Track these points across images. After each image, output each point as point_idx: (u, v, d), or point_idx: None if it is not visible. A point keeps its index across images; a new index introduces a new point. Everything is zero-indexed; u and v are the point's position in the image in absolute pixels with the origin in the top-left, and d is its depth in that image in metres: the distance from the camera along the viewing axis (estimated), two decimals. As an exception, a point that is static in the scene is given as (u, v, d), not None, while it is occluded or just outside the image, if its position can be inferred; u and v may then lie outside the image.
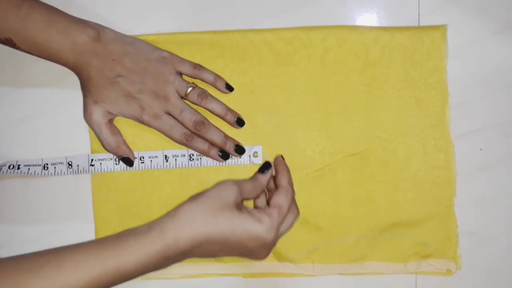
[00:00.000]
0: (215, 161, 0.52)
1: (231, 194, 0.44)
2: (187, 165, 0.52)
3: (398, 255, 0.52)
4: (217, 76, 0.52)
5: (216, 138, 0.51)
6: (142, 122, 0.50)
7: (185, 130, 0.50)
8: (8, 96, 0.53)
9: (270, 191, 0.50)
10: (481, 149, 0.53)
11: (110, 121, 0.51)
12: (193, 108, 0.50)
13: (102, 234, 0.52)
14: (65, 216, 0.53)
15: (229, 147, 0.51)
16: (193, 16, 0.53)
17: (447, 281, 0.53)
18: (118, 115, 0.50)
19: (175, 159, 0.52)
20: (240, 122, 0.52)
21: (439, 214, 0.52)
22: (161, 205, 0.53)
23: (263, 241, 0.44)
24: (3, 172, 0.50)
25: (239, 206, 0.44)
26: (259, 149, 0.52)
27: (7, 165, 0.51)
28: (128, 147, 0.52)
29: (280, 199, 0.46)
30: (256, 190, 0.47)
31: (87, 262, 0.40)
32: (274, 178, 0.49)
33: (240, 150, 0.52)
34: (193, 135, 0.50)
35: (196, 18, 0.53)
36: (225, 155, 0.51)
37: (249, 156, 0.52)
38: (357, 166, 0.52)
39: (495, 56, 0.53)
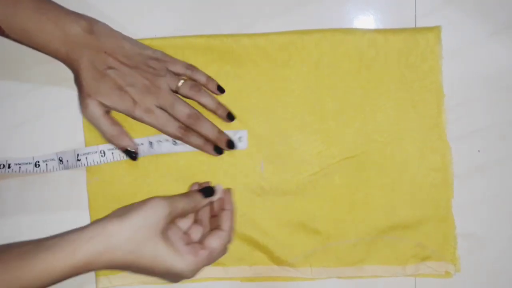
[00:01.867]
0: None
1: (159, 223, 0.43)
2: (171, 151, 0.52)
3: (396, 258, 0.52)
4: (209, 78, 0.51)
5: (209, 131, 0.50)
6: (134, 117, 0.49)
7: (180, 124, 0.50)
8: (6, 98, 0.53)
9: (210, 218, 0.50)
10: (478, 151, 0.53)
11: (107, 112, 0.50)
12: (185, 101, 0.50)
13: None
14: (62, 222, 0.53)
15: (221, 142, 0.51)
16: (189, 19, 0.53)
17: (446, 283, 0.53)
18: (112, 108, 0.49)
19: (160, 144, 0.52)
20: (230, 117, 0.52)
21: (437, 216, 0.52)
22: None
23: (182, 277, 0.44)
24: None
25: (166, 235, 0.44)
26: (243, 133, 0.52)
27: None
28: (130, 137, 0.51)
29: (216, 243, 0.46)
30: (189, 210, 0.47)
31: None
32: (217, 210, 0.49)
33: (231, 145, 0.51)
34: (188, 130, 0.50)
35: (191, 21, 0.53)
36: (219, 150, 0.51)
37: (234, 142, 0.52)
38: (354, 169, 0.52)
39: (492, 58, 0.53)
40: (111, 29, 0.49)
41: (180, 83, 0.50)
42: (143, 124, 0.50)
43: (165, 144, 0.52)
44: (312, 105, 0.52)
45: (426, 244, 0.52)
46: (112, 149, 0.51)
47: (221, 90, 0.52)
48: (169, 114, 0.50)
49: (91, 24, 0.48)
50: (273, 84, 0.52)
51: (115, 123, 0.50)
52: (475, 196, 0.53)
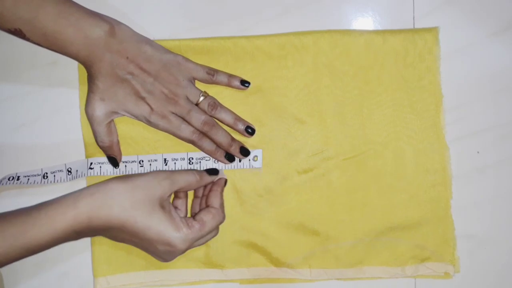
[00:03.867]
0: (213, 166, 0.52)
1: (159, 189, 0.45)
2: (186, 168, 0.52)
3: (395, 259, 0.52)
4: (230, 76, 0.51)
5: (223, 139, 0.51)
6: (149, 122, 0.50)
7: (195, 129, 0.50)
8: (5, 101, 0.53)
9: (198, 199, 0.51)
10: (478, 152, 0.53)
11: (111, 122, 0.50)
12: (201, 109, 0.50)
13: (98, 241, 0.52)
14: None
15: (235, 149, 0.51)
16: (188, 21, 0.53)
17: (446, 284, 0.53)
18: (124, 115, 0.50)
19: (174, 163, 0.52)
20: (249, 131, 0.52)
21: (436, 217, 0.52)
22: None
23: (173, 247, 0.45)
24: (3, 184, 0.50)
25: (164, 203, 0.45)
26: (259, 153, 0.52)
27: (7, 178, 0.50)
28: (119, 149, 0.52)
29: (207, 217, 0.47)
30: (189, 186, 0.48)
31: None
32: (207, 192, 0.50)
33: (244, 152, 0.51)
34: (202, 135, 0.50)
35: (191, 23, 0.53)
36: (230, 157, 0.51)
37: (249, 160, 0.52)
38: (352, 170, 0.52)
39: (491, 59, 0.53)
40: (133, 32, 0.49)
41: (201, 99, 0.50)
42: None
43: (180, 163, 0.52)
44: (310, 106, 0.52)
45: (425, 245, 0.52)
46: (126, 162, 0.52)
47: (245, 83, 0.52)
48: (185, 120, 0.50)
49: (113, 27, 0.48)
50: (271, 84, 0.52)
51: (111, 133, 0.51)
52: (474, 197, 0.53)
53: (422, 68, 0.52)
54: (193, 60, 0.52)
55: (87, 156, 0.52)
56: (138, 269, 0.52)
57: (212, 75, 0.51)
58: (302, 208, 0.52)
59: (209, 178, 0.50)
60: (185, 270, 0.53)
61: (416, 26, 0.53)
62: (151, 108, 0.49)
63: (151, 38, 0.52)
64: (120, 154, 0.52)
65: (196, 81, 0.52)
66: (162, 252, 0.46)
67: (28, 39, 0.47)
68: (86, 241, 0.53)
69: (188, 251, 0.51)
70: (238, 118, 0.51)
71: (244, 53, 0.52)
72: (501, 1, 0.53)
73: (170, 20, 0.53)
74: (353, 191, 0.52)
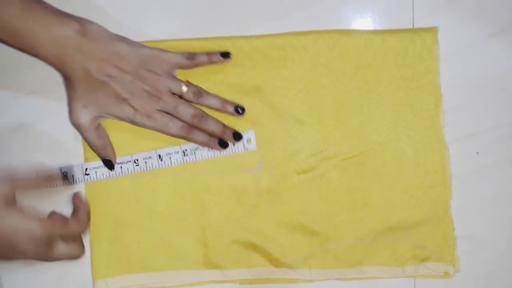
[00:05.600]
0: (209, 155, 0.52)
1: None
2: (182, 161, 0.52)
3: (395, 259, 0.52)
4: (209, 54, 0.50)
5: (215, 128, 0.50)
6: (135, 123, 0.49)
7: (183, 123, 0.49)
8: (3, 102, 0.53)
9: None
10: (477, 153, 0.53)
11: (99, 125, 0.50)
12: (187, 102, 0.50)
13: (97, 244, 0.52)
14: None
15: (228, 136, 0.51)
16: (187, 22, 0.53)
17: (446, 284, 0.53)
18: (108, 117, 0.49)
19: (169, 157, 0.52)
20: (239, 110, 0.51)
21: (435, 217, 0.52)
22: (155, 214, 0.52)
23: (32, 234, 0.44)
24: None
25: (10, 203, 0.44)
26: (251, 134, 0.52)
27: None
28: (113, 150, 0.51)
29: (70, 220, 0.48)
30: (37, 183, 0.47)
31: None
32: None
33: (237, 137, 0.51)
34: (192, 128, 0.50)
35: (189, 24, 0.53)
36: (224, 144, 0.51)
37: (243, 143, 0.52)
38: (351, 170, 0.52)
39: (490, 59, 0.53)
40: (105, 31, 0.48)
41: (184, 89, 0.49)
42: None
43: (175, 156, 0.52)
44: (310, 106, 0.52)
45: (425, 245, 0.52)
46: (121, 163, 0.52)
47: (225, 55, 0.51)
48: (173, 116, 0.49)
49: (83, 26, 0.46)
50: (270, 84, 0.52)
51: (102, 136, 0.50)
52: (474, 197, 0.53)
53: (421, 68, 0.52)
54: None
55: (85, 158, 0.52)
56: (137, 271, 0.52)
57: (192, 58, 0.50)
58: (301, 208, 0.52)
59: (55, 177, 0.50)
60: (185, 271, 0.52)
61: (415, 27, 0.53)
62: (135, 109, 0.48)
63: (151, 38, 0.52)
64: (115, 156, 0.51)
65: (178, 71, 0.51)
66: (21, 243, 0.44)
67: None
68: (84, 243, 0.52)
69: (188, 251, 0.52)
70: (226, 101, 0.51)
71: (243, 53, 0.52)
72: (500, 1, 0.53)
73: (170, 20, 0.53)
74: (352, 191, 0.52)
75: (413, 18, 0.53)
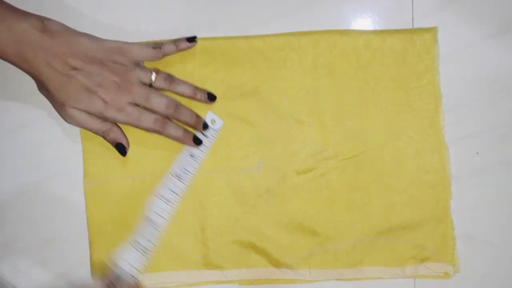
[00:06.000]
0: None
1: None
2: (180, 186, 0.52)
3: (395, 259, 0.52)
4: (176, 41, 0.50)
5: (189, 118, 0.49)
6: (107, 118, 0.47)
7: (156, 116, 0.48)
8: (5, 102, 0.53)
9: None
10: (477, 153, 0.53)
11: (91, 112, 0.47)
12: (158, 92, 0.48)
13: (96, 244, 0.52)
14: (59, 226, 0.53)
15: (200, 125, 0.50)
16: (187, 21, 0.53)
17: (446, 284, 0.52)
18: (84, 111, 0.47)
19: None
20: (211, 97, 0.50)
21: (435, 217, 0.52)
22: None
23: None
24: None
25: None
26: (210, 115, 0.52)
27: None
28: (122, 131, 0.49)
29: None
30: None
31: None
32: None
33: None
34: (166, 120, 0.48)
35: (190, 24, 0.53)
36: (198, 141, 0.50)
37: (212, 128, 0.52)
38: (351, 170, 0.52)
39: (490, 60, 0.53)
40: (65, 27, 0.46)
41: (153, 77, 0.48)
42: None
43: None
44: (309, 106, 0.52)
45: (425, 245, 0.52)
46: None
47: (191, 40, 0.50)
48: (146, 108, 0.47)
49: (42, 22, 0.44)
50: (269, 83, 0.52)
51: (103, 118, 0.48)
52: (474, 197, 0.53)
53: (421, 68, 0.52)
54: (191, 59, 0.52)
55: (85, 162, 0.52)
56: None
57: (159, 48, 0.49)
58: (301, 208, 0.52)
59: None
60: (184, 272, 0.52)
61: (415, 27, 0.53)
62: (105, 102, 0.46)
63: (150, 38, 0.52)
64: (126, 138, 0.50)
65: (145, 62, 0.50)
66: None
67: None
68: (84, 242, 0.53)
69: (188, 252, 0.52)
70: (197, 88, 0.50)
71: (242, 53, 0.52)
72: (500, 2, 0.53)
73: (170, 20, 0.53)
74: (352, 191, 0.52)
75: (412, 18, 0.53)
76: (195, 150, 0.51)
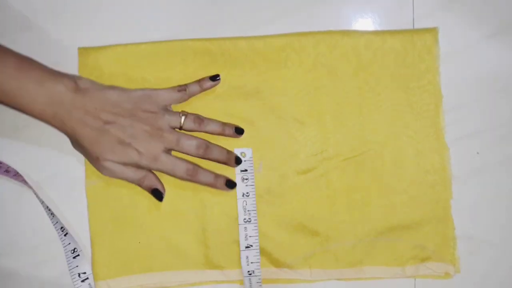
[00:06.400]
0: None
1: None
2: None
3: (395, 259, 0.52)
4: (199, 82, 0.51)
5: (220, 155, 0.50)
6: (142, 167, 0.49)
7: (188, 166, 0.49)
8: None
9: None
10: (478, 153, 0.53)
11: (125, 163, 0.48)
12: (188, 134, 0.50)
13: (98, 244, 0.52)
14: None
15: (232, 161, 0.51)
16: (188, 21, 0.53)
17: (446, 284, 0.52)
18: (119, 163, 0.48)
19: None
20: (239, 131, 0.52)
21: (435, 217, 0.52)
22: (156, 214, 0.52)
23: None
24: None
25: None
26: (242, 150, 0.52)
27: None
28: (156, 177, 0.50)
29: None
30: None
31: None
32: None
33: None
34: (197, 169, 0.49)
35: (190, 24, 0.53)
36: (231, 184, 0.51)
37: (243, 160, 0.52)
38: (352, 170, 0.52)
39: (490, 60, 0.53)
40: (92, 82, 0.48)
41: (182, 119, 0.49)
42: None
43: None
44: (310, 106, 0.52)
45: (426, 245, 0.52)
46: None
47: (214, 78, 0.51)
48: (178, 151, 0.49)
49: (75, 82, 0.46)
50: (271, 85, 0.52)
51: (137, 169, 0.49)
52: (474, 197, 0.53)
53: (421, 68, 0.52)
54: (193, 59, 0.52)
55: (86, 162, 0.52)
56: (138, 271, 0.52)
57: (184, 89, 0.50)
58: (302, 208, 0.52)
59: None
60: (185, 271, 0.52)
61: (416, 27, 0.53)
62: (139, 152, 0.47)
63: (151, 39, 0.52)
64: (160, 183, 0.51)
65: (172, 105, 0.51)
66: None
67: None
68: (86, 244, 0.53)
69: (189, 252, 0.52)
70: (224, 124, 0.51)
71: (243, 54, 0.52)
72: (500, 2, 0.53)
73: (170, 21, 0.53)
74: (353, 191, 0.52)
75: (413, 18, 0.53)
76: (244, 189, 0.52)
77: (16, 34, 0.53)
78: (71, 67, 0.52)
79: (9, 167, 0.52)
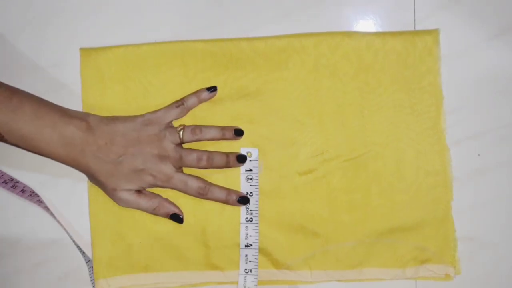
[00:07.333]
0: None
1: None
2: None
3: (396, 260, 0.52)
4: (196, 93, 0.51)
5: (220, 160, 0.51)
6: (157, 187, 0.50)
7: (199, 184, 0.50)
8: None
9: None
10: (479, 155, 0.53)
11: (140, 191, 0.51)
12: (188, 149, 0.50)
13: (99, 244, 0.52)
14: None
15: (233, 162, 0.51)
16: (189, 22, 0.53)
17: (447, 286, 0.52)
18: (136, 189, 0.50)
19: None
20: (238, 133, 0.52)
21: (436, 219, 0.52)
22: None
23: None
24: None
25: None
26: (248, 150, 0.52)
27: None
28: (172, 203, 0.52)
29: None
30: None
31: None
32: None
33: (242, 159, 0.51)
34: (208, 187, 0.50)
35: (192, 25, 0.53)
36: (244, 200, 0.51)
37: (248, 160, 0.52)
38: (352, 172, 0.52)
39: (491, 61, 0.53)
40: (99, 117, 0.49)
41: (181, 133, 0.50)
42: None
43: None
44: (311, 107, 0.52)
45: (426, 247, 0.52)
46: None
47: (211, 90, 0.52)
48: (186, 167, 0.51)
49: (86, 121, 0.48)
50: (271, 85, 0.52)
51: (152, 196, 0.51)
52: (475, 199, 0.53)
53: (422, 69, 0.52)
54: (194, 61, 0.52)
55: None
56: (138, 271, 0.52)
57: (182, 104, 0.51)
58: (302, 209, 0.52)
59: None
60: (186, 272, 0.53)
61: (417, 29, 0.53)
62: (153, 176, 0.49)
63: (152, 40, 0.52)
64: (176, 206, 0.52)
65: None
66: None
67: (6, 141, 0.47)
68: (86, 243, 0.53)
69: (189, 252, 0.52)
70: (223, 128, 0.51)
71: (244, 55, 0.52)
72: (501, 3, 0.53)
73: (171, 21, 0.53)
74: (353, 193, 0.52)
75: (414, 20, 0.53)
76: (248, 189, 0.52)
77: (16, 34, 0.53)
78: (71, 67, 0.52)
79: (25, 186, 0.53)
